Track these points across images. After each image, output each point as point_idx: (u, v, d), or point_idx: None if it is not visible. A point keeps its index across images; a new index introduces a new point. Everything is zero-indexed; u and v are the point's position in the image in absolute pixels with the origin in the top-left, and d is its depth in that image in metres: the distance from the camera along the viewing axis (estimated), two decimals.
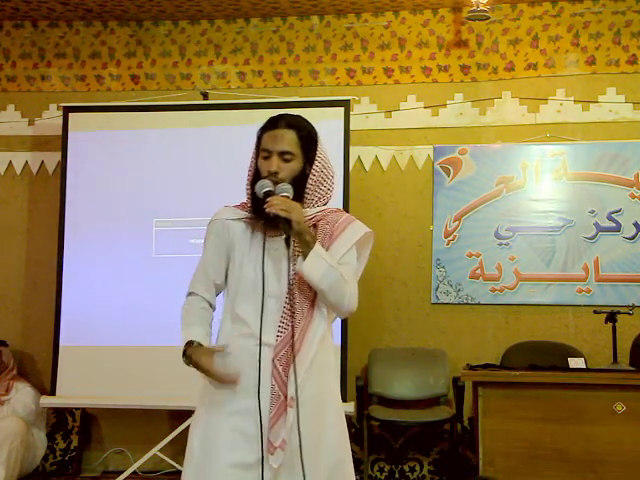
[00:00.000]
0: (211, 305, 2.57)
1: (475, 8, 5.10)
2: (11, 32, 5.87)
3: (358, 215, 4.99)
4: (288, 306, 2.42)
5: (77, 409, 5.48)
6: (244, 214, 2.54)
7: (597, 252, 5.20)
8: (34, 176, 5.76)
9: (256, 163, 2.52)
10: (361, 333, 5.26)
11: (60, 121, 5.43)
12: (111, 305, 5.17)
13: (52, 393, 5.15)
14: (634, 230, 5.20)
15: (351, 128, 5.11)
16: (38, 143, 5.76)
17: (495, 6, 5.36)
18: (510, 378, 4.12)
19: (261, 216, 2.44)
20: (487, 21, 5.25)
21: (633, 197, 5.21)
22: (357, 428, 5.20)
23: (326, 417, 2.46)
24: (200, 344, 2.43)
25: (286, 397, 2.37)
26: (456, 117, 5.48)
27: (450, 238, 5.37)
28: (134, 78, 5.78)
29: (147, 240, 5.22)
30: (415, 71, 5.55)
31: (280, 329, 2.41)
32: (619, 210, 5.21)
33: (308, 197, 2.51)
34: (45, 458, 5.44)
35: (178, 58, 5.76)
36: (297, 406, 2.33)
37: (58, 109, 5.56)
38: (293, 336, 2.39)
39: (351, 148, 5.13)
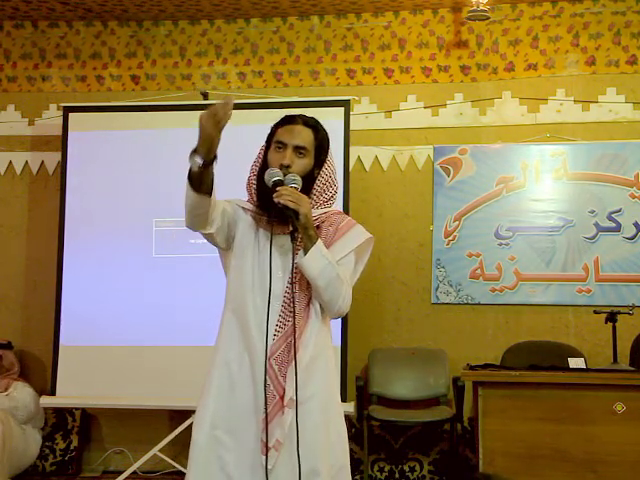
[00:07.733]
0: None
1: (475, 8, 5.10)
2: (11, 32, 5.87)
3: (358, 215, 4.97)
4: (288, 303, 2.39)
5: (77, 409, 5.47)
6: (252, 207, 2.50)
7: (597, 252, 5.20)
8: (34, 176, 5.75)
9: (265, 156, 2.49)
10: (361, 333, 5.26)
11: (60, 121, 5.43)
12: (111, 305, 5.17)
13: (52, 393, 5.15)
14: (634, 230, 5.20)
15: (351, 128, 5.11)
16: (38, 143, 5.76)
17: (495, 6, 5.36)
18: (510, 378, 4.12)
19: (267, 207, 2.40)
20: (487, 21, 5.25)
21: (633, 197, 5.21)
22: (357, 428, 5.20)
23: (328, 419, 2.43)
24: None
25: (282, 397, 2.34)
26: (456, 117, 5.48)
27: (450, 238, 5.37)
28: (134, 78, 5.78)
29: (147, 240, 5.22)
30: (415, 71, 5.55)
31: (278, 327, 2.38)
32: (619, 210, 5.21)
33: (314, 199, 2.48)
34: (45, 458, 5.44)
35: (178, 58, 5.76)
36: (296, 407, 2.30)
37: (58, 109, 5.56)
38: (294, 335, 2.35)
39: (351, 148, 5.13)
